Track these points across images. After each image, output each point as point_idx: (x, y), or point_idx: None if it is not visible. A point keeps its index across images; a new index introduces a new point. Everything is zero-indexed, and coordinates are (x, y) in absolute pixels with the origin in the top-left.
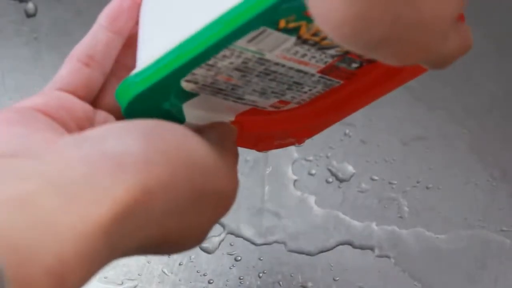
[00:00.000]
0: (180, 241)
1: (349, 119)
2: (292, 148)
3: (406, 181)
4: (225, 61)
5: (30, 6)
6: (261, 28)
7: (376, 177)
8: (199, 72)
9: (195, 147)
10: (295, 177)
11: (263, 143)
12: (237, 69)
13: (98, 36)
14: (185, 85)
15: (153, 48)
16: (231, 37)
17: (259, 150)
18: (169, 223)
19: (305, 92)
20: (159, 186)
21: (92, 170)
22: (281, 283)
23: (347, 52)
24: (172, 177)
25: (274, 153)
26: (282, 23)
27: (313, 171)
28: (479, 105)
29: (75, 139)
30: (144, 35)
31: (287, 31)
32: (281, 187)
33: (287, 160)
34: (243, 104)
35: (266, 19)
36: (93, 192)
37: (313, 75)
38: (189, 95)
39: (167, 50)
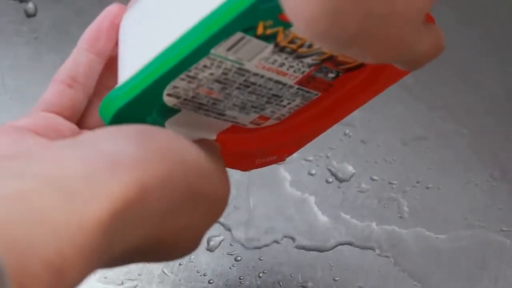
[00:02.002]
0: (174, 244)
1: (349, 119)
2: None
3: (406, 181)
4: (205, 72)
5: (30, 6)
6: (240, 35)
7: (376, 177)
8: (181, 85)
9: (188, 148)
10: (295, 177)
11: (244, 162)
12: (217, 80)
13: (79, 58)
14: (167, 99)
15: (133, 63)
16: (209, 43)
17: (241, 170)
18: (164, 223)
19: (284, 106)
20: (155, 183)
21: (88, 169)
22: (281, 283)
23: (323, 61)
24: (167, 174)
25: None
26: (260, 29)
27: (313, 171)
28: (479, 105)
29: (69, 142)
30: (124, 52)
31: (265, 38)
32: (281, 187)
33: (286, 160)
34: (224, 121)
35: (243, 23)
36: (90, 190)
37: (291, 86)
38: (171, 112)
39: (147, 61)
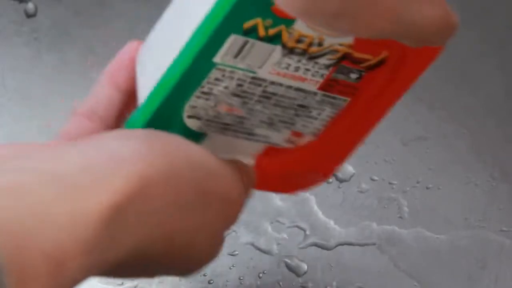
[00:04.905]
0: (189, 247)
1: None
2: None
3: (406, 181)
4: (219, 86)
5: (30, 6)
6: (242, 39)
7: (376, 177)
8: (198, 103)
9: (195, 149)
10: None
11: (288, 184)
12: (234, 94)
13: (99, 92)
14: (189, 122)
15: (147, 88)
16: (208, 50)
17: (285, 192)
18: (172, 221)
19: (315, 118)
20: (158, 177)
21: (89, 162)
22: (281, 283)
23: (339, 60)
24: (171, 170)
25: None
26: (261, 30)
27: None
28: (479, 105)
29: (68, 143)
30: (139, 83)
31: (269, 39)
32: None
33: None
34: (256, 142)
35: (235, 21)
36: (90, 182)
37: (315, 94)
38: (198, 137)
39: (157, 82)
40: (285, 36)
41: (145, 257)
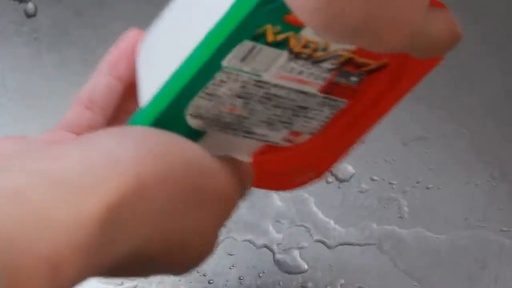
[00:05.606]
0: (185, 246)
1: None
2: None
3: (406, 181)
4: (223, 87)
5: (30, 6)
6: (250, 44)
7: (376, 177)
8: (202, 103)
9: (191, 147)
10: None
11: (283, 182)
12: (237, 95)
13: (98, 81)
14: (191, 121)
15: (152, 85)
16: (218, 55)
17: (282, 190)
18: (168, 220)
19: (314, 119)
20: (155, 178)
21: (85, 164)
22: (281, 283)
23: (342, 64)
24: (167, 170)
25: None
26: (270, 36)
27: None
28: (479, 105)
29: (70, 142)
30: (142, 76)
31: (276, 45)
32: None
33: None
34: (254, 140)
35: (248, 28)
36: (86, 183)
37: (316, 96)
38: (198, 134)
39: (164, 82)
40: (292, 42)
41: (142, 258)
